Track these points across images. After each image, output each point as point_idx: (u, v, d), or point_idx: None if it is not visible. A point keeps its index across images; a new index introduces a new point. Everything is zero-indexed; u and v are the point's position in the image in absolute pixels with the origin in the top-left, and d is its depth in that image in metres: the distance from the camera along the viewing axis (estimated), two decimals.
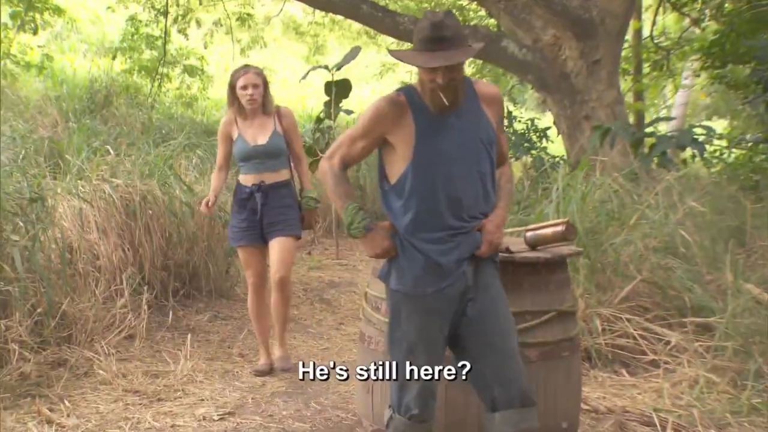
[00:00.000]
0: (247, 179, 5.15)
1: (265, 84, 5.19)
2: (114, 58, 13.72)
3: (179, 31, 14.53)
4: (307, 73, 9.30)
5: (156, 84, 13.61)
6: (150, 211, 6.34)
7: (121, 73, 13.53)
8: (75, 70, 13.32)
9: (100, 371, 4.94)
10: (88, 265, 5.73)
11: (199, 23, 15.31)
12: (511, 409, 3.00)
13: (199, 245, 6.73)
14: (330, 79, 9.39)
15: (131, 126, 9.95)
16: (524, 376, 3.03)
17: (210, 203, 5.14)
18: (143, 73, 13.89)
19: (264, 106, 5.16)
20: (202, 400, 4.71)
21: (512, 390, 3.00)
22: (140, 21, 14.21)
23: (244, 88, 5.06)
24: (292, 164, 5.31)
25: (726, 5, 11.01)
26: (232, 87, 5.13)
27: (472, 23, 14.94)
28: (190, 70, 14.96)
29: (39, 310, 5.08)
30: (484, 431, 3.54)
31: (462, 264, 3.02)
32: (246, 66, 5.22)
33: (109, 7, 15.32)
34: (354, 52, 9.33)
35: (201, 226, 6.78)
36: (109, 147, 7.27)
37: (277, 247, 5.13)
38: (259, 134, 5.13)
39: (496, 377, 3.01)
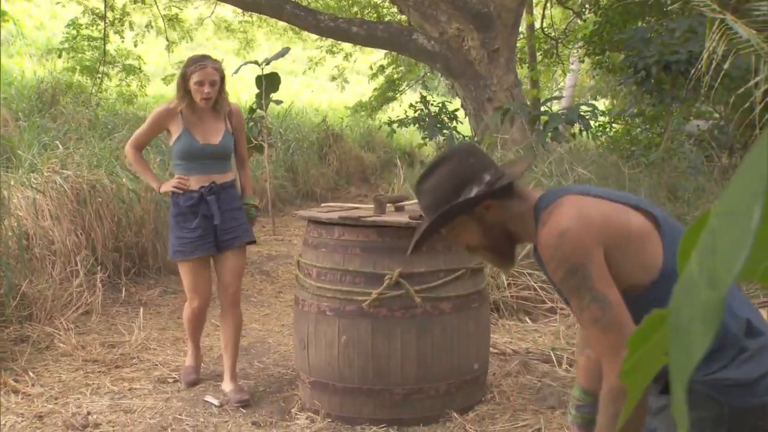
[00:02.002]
0: (192, 181, 4.07)
1: (222, 79, 4.10)
2: (60, 56, 13.33)
3: (116, 32, 14.23)
4: (239, 68, 9.22)
5: (97, 83, 13.28)
6: (99, 199, 6.25)
7: (65, 72, 13.15)
8: (23, 72, 12.90)
9: (61, 344, 4.88)
10: (44, 250, 5.63)
11: (132, 26, 15.01)
12: None
13: (147, 228, 6.67)
14: (260, 73, 9.33)
15: (78, 122, 9.69)
16: None
17: (180, 180, 4.09)
18: (85, 72, 13.54)
19: (217, 102, 4.10)
20: (157, 365, 4.70)
21: None
22: (80, 24, 13.84)
23: (200, 84, 3.97)
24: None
25: (601, 0, 11.31)
26: (185, 78, 4.02)
27: (385, 19, 14.95)
28: (129, 69, 14.65)
29: (0, 292, 4.97)
30: (405, 378, 3.65)
31: None
32: (203, 58, 4.06)
33: (58, 2, 14.87)
34: (283, 51, 9.30)
35: (148, 210, 6.72)
36: (58, 142, 7.10)
37: (232, 259, 4.15)
38: (211, 133, 4.10)
39: None
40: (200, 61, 4.02)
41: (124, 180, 6.61)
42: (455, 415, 3.76)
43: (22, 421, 3.83)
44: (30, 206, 5.78)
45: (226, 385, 4.18)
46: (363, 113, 17.43)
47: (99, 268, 5.90)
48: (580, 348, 2.20)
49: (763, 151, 0.37)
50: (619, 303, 1.70)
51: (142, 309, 5.69)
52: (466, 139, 11.33)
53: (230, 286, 4.18)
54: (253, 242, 4.32)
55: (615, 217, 1.76)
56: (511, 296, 5.42)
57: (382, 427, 3.69)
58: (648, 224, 1.77)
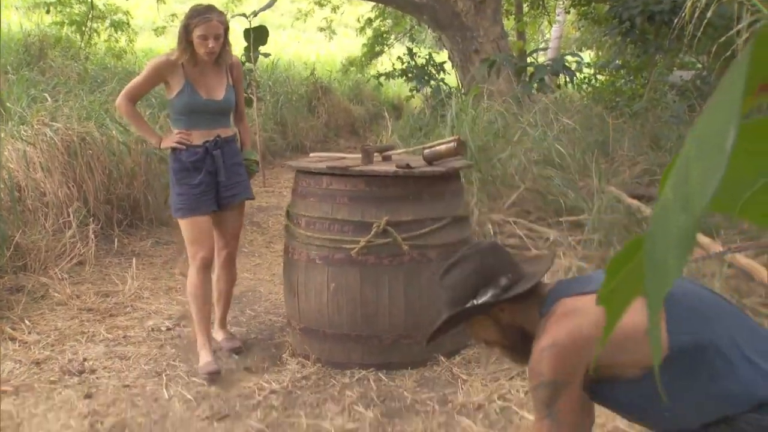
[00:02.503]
0: (194, 136, 3.82)
1: (226, 32, 3.84)
2: (48, 12, 13.06)
3: None
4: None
5: (86, 38, 13.05)
6: (90, 151, 6.18)
7: (53, 26, 12.92)
8: (10, 26, 12.66)
9: (56, 294, 4.88)
10: (36, 201, 5.59)
11: None
12: None
13: (138, 180, 6.63)
14: (248, 26, 9.19)
15: (67, 76, 9.54)
16: None
17: (182, 135, 3.83)
18: (74, 26, 13.30)
19: (220, 56, 3.84)
20: (150, 313, 4.71)
21: None
22: None
23: (204, 38, 3.71)
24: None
25: None
26: (187, 30, 3.74)
27: None
28: (117, 25, 14.39)
29: None
30: (393, 324, 3.68)
31: None
32: (208, 9, 3.76)
33: None
34: (270, 2, 9.15)
35: (138, 162, 6.67)
36: (47, 95, 7.01)
37: (233, 218, 4.01)
38: (214, 88, 3.86)
39: None
40: (205, 13, 3.73)
41: (114, 132, 6.54)
42: (442, 358, 3.80)
43: (20, 367, 3.85)
44: (21, 158, 5.72)
45: (218, 334, 4.13)
46: (353, 69, 17.24)
47: (91, 219, 5.86)
48: None
49: (736, 76, 0.37)
50: (568, 430, 1.71)
51: (134, 259, 5.68)
52: (452, 89, 11.26)
53: (228, 246, 4.05)
54: (252, 199, 4.18)
55: None
56: None
57: (371, 372, 3.72)
58: (645, 313, 1.71)
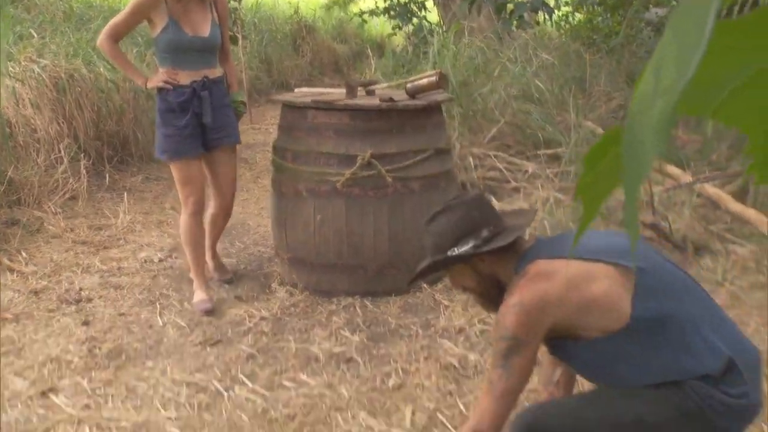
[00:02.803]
0: (181, 76, 3.60)
1: None
2: None
3: None
4: None
5: None
6: (78, 88, 6.06)
7: None
8: None
9: (50, 227, 4.86)
10: (28, 138, 5.51)
11: None
12: None
13: (127, 117, 6.53)
14: None
15: (53, 14, 9.28)
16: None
17: (169, 73, 3.61)
18: None
19: None
20: (142, 246, 4.71)
21: None
22: None
23: None
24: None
25: None
26: None
27: None
28: None
29: None
30: (378, 253, 3.69)
31: None
32: None
33: None
34: None
35: (127, 100, 6.56)
36: (33, 31, 6.83)
37: (225, 159, 3.81)
38: (199, 24, 3.61)
39: None
40: None
41: (102, 70, 6.41)
42: (425, 286, 3.84)
43: (19, 297, 3.86)
44: (10, 95, 5.61)
45: (209, 262, 4.06)
46: (336, 7, 16.89)
47: (82, 155, 5.80)
48: (544, 383, 2.30)
49: None
50: (516, 388, 1.77)
51: (126, 194, 5.65)
52: (434, 27, 11.09)
53: (227, 193, 3.88)
54: (239, 143, 3.93)
55: (577, 288, 1.77)
56: (478, 177, 5.44)
57: (357, 299, 3.76)
58: (616, 281, 1.78)
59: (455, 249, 1.94)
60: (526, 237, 2.06)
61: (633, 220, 0.39)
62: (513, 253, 1.94)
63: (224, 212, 3.97)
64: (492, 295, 1.99)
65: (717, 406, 1.72)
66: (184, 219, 3.78)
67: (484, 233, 1.92)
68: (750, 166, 0.62)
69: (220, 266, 4.13)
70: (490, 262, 1.95)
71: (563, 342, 1.83)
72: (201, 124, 3.67)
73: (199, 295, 3.76)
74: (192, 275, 3.85)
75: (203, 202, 3.79)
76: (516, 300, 1.78)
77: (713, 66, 0.49)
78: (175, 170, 3.73)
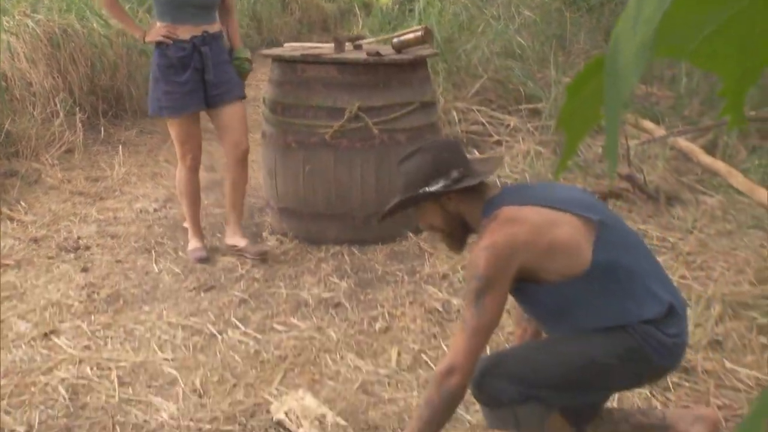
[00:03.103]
0: (180, 31, 3.43)
1: None
2: None
3: None
4: None
5: None
6: (72, 43, 5.94)
7: None
8: None
9: (48, 179, 4.81)
10: (24, 91, 5.42)
11: None
12: None
13: (120, 72, 6.41)
14: None
15: None
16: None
17: (168, 28, 3.44)
18: None
19: None
20: (138, 197, 4.68)
21: None
22: None
23: None
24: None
25: None
26: None
27: None
28: None
29: None
30: (365, 203, 3.69)
31: None
32: None
33: None
34: None
35: (120, 55, 6.43)
36: None
37: (231, 113, 3.57)
38: None
39: None
40: None
41: (95, 25, 6.28)
42: (410, 234, 3.85)
43: (20, 244, 3.84)
44: (5, 49, 5.50)
45: (239, 241, 3.68)
46: None
47: (78, 109, 5.71)
48: (517, 320, 2.34)
49: None
50: (488, 325, 1.81)
51: (120, 147, 5.58)
52: None
53: (240, 144, 3.61)
54: (244, 98, 3.67)
55: (543, 233, 1.83)
56: (461, 131, 5.41)
57: (345, 247, 3.76)
58: (579, 229, 1.85)
59: (426, 188, 1.97)
60: (495, 185, 2.09)
61: (613, 146, 0.39)
62: (480, 196, 1.98)
63: (238, 164, 3.65)
64: (457, 235, 2.04)
65: (656, 345, 1.82)
66: (181, 174, 3.66)
67: (454, 174, 1.95)
68: (723, 108, 0.61)
69: (252, 243, 3.72)
70: (457, 203, 1.99)
71: (527, 285, 1.87)
72: (202, 80, 3.49)
73: (193, 244, 3.72)
74: (188, 223, 3.80)
75: (200, 159, 3.68)
76: (487, 243, 1.81)
77: (690, 9, 0.48)
78: (173, 127, 3.57)
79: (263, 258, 3.61)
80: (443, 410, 1.83)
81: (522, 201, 1.92)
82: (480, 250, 1.82)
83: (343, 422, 2.28)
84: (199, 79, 3.48)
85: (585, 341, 1.87)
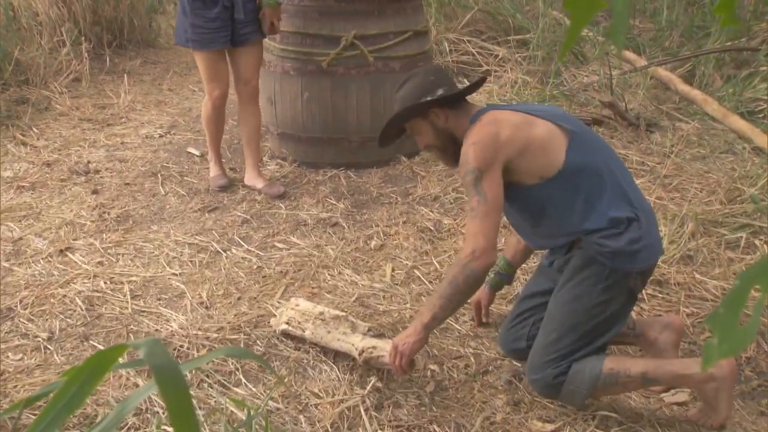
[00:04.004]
0: None
1: None
2: None
3: None
4: None
5: None
6: None
7: None
8: None
9: (58, 106, 4.71)
10: (31, 20, 5.26)
11: None
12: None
13: (123, 2, 6.20)
14: None
15: None
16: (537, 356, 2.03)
17: None
18: None
19: None
20: (143, 123, 4.59)
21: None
22: None
23: None
24: None
25: None
26: None
27: None
28: None
29: None
30: (360, 128, 3.63)
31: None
32: None
33: None
34: None
35: None
36: None
37: (251, 54, 3.39)
38: None
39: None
40: None
41: None
42: (404, 158, 3.80)
43: (33, 168, 3.78)
44: None
45: (257, 182, 3.54)
46: None
47: (83, 39, 5.55)
48: (508, 247, 2.37)
49: None
50: (494, 205, 1.86)
51: (126, 76, 5.46)
52: None
53: (251, 81, 3.45)
54: (265, 37, 3.44)
55: (521, 130, 1.90)
56: (452, 61, 5.30)
57: (342, 170, 3.72)
58: (554, 132, 1.91)
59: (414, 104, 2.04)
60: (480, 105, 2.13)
61: (621, 27, 0.35)
62: (465, 112, 2.03)
63: (249, 101, 3.48)
64: (450, 150, 2.07)
65: (611, 255, 1.87)
66: (206, 108, 3.48)
67: (440, 91, 2.02)
68: (716, 6, 0.57)
69: (268, 182, 3.56)
70: (444, 117, 2.03)
71: (508, 185, 1.93)
72: (230, 18, 3.26)
73: (214, 171, 3.59)
74: (209, 151, 3.62)
75: (227, 96, 3.47)
76: (473, 139, 1.90)
77: None
78: (200, 61, 3.35)
79: (281, 197, 3.44)
80: (465, 290, 1.90)
81: (504, 107, 2.03)
82: (468, 147, 1.90)
83: (341, 313, 2.29)
84: (227, 17, 3.25)
85: (570, 299, 1.94)
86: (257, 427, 1.86)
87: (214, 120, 3.51)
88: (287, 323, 2.30)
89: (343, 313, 2.28)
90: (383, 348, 2.07)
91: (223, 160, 3.73)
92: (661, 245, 2.01)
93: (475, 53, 5.29)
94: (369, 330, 2.23)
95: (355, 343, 2.14)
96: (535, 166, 1.90)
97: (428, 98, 2.00)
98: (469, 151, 1.88)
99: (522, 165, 1.90)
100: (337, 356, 2.25)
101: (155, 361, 0.48)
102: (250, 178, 3.57)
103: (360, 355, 2.11)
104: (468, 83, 2.25)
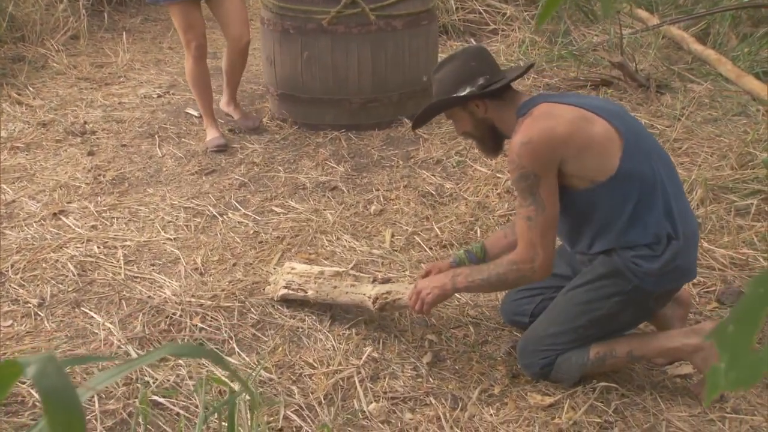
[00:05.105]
0: None
1: None
2: None
3: None
4: None
5: None
6: None
7: None
8: None
9: (54, 64, 4.61)
10: None
11: None
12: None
13: None
14: None
15: None
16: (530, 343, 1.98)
17: None
18: None
19: None
20: (142, 83, 4.49)
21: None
22: None
23: None
24: None
25: None
26: None
27: None
28: None
29: None
30: (361, 88, 3.52)
31: None
32: None
33: None
34: None
35: None
36: None
37: (236, 5, 3.34)
38: None
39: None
40: None
41: None
42: (405, 120, 3.70)
43: (28, 128, 3.71)
44: None
45: (234, 112, 3.67)
46: None
47: None
48: (506, 227, 2.25)
49: None
50: (553, 216, 1.75)
51: (125, 34, 5.34)
52: None
53: (242, 36, 3.40)
54: None
55: (579, 128, 1.72)
56: (458, 19, 5.15)
57: (342, 132, 3.63)
58: (610, 133, 1.74)
59: (453, 94, 1.88)
60: (526, 94, 1.96)
61: None
62: (510, 103, 1.87)
63: (239, 54, 3.48)
64: (489, 141, 1.94)
65: (642, 275, 1.77)
66: (188, 64, 3.43)
67: (480, 81, 1.85)
68: None
69: (243, 114, 3.71)
70: (484, 108, 1.88)
71: (562, 189, 1.80)
72: None
73: (211, 133, 3.51)
74: (202, 114, 3.58)
75: (205, 46, 3.42)
76: (525, 138, 1.72)
77: None
78: (174, 15, 3.33)
79: (255, 129, 3.58)
80: (510, 287, 1.95)
81: (556, 99, 1.83)
82: (519, 145, 1.72)
83: (341, 268, 2.24)
84: None
85: (582, 301, 1.87)
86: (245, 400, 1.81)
87: (198, 75, 3.44)
88: (286, 287, 2.24)
89: (343, 269, 2.24)
90: (398, 291, 2.05)
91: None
92: (695, 269, 1.89)
93: (482, 11, 5.13)
94: (374, 280, 2.17)
95: (367, 291, 2.10)
96: (589, 169, 1.74)
97: (466, 90, 1.85)
98: (522, 151, 1.71)
99: (575, 167, 1.74)
100: (333, 324, 2.20)
101: (46, 384, 0.40)
102: (226, 105, 3.70)
103: (374, 302, 2.06)
104: (510, 69, 2.08)
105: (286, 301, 2.28)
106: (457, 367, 2.05)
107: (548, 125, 1.72)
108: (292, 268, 2.28)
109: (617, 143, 1.73)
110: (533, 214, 1.75)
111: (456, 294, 2.15)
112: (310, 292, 2.20)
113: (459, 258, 2.14)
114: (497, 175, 3.09)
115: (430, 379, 1.99)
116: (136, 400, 1.84)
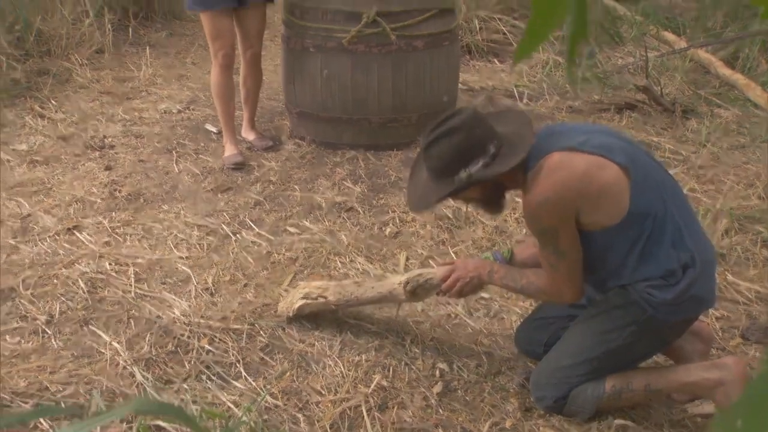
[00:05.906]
0: None
1: None
2: None
3: None
4: None
5: None
6: None
7: None
8: None
9: (78, 78, 4.65)
10: None
11: None
12: None
13: None
14: None
15: None
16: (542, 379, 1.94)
17: None
18: None
19: None
20: (163, 98, 4.51)
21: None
22: None
23: None
24: None
25: None
26: None
27: None
28: None
29: (17, 27, 4.66)
30: (381, 108, 3.50)
31: None
32: None
33: None
34: None
35: None
36: None
37: (254, 16, 3.42)
38: None
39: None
40: None
41: None
42: None
43: (49, 141, 3.73)
44: None
45: (249, 134, 3.71)
46: None
47: (107, 10, 5.47)
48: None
49: None
50: (576, 258, 1.73)
51: (149, 49, 5.37)
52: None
53: (253, 46, 3.49)
54: (271, 2, 3.50)
55: (593, 178, 1.66)
56: (482, 40, 5.12)
57: (360, 151, 3.60)
58: (620, 175, 1.68)
59: (466, 170, 1.73)
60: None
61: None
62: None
63: (247, 65, 3.55)
64: (493, 200, 1.86)
65: (657, 305, 1.72)
66: (214, 73, 3.45)
67: (491, 149, 1.73)
68: None
69: (260, 136, 3.73)
70: (491, 183, 1.79)
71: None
72: None
73: (229, 149, 3.50)
74: (222, 129, 3.57)
75: (233, 57, 3.42)
76: (541, 198, 1.67)
77: None
78: (206, 22, 3.34)
79: (268, 150, 3.62)
80: (535, 297, 2.02)
81: (563, 144, 1.71)
82: (536, 206, 1.68)
83: (358, 279, 2.24)
84: None
85: (597, 332, 1.83)
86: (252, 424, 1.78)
87: (222, 85, 3.46)
88: (304, 297, 2.21)
89: (360, 279, 2.24)
90: (428, 272, 2.06)
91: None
92: (713, 297, 1.83)
93: (506, 32, 5.10)
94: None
95: (396, 279, 2.11)
96: (602, 214, 1.70)
97: (480, 161, 1.72)
98: (540, 211, 1.67)
99: (590, 218, 1.70)
100: (343, 350, 2.16)
101: None
102: (244, 131, 3.75)
103: (406, 285, 2.06)
104: (498, 115, 1.94)
105: (298, 320, 2.24)
106: (468, 399, 2.00)
107: (563, 181, 1.66)
108: (309, 284, 2.28)
109: (626, 182, 1.68)
110: (556, 263, 1.74)
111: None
112: (330, 297, 2.18)
113: (486, 257, 2.06)
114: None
115: (440, 410, 1.94)
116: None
